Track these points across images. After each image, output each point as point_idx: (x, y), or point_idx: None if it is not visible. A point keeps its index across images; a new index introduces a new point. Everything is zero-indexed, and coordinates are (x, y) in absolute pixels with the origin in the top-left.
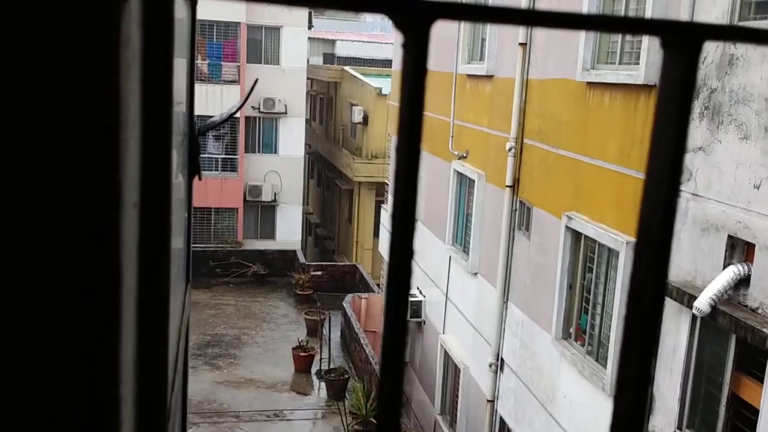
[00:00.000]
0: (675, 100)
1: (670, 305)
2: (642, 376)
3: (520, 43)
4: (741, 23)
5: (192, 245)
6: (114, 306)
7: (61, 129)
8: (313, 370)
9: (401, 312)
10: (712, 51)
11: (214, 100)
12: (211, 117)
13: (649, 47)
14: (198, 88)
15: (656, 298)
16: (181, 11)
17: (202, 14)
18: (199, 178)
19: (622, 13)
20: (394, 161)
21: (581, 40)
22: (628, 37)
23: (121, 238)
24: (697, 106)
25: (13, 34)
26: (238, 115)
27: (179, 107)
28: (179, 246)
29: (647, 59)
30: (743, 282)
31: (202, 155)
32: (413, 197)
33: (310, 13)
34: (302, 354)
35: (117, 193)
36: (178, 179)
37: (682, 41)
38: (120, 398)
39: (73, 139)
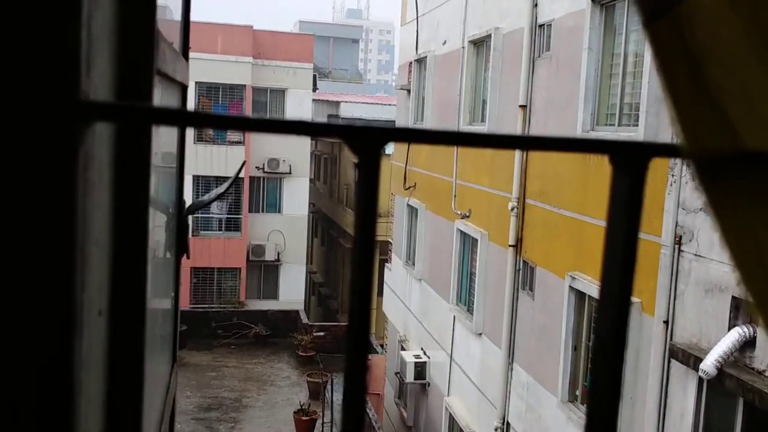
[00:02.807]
0: (623, 214)
1: (676, 367)
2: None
3: (520, 105)
4: None
5: (194, 306)
6: (68, 421)
7: (14, 249)
8: None
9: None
10: None
11: (218, 161)
12: (216, 177)
13: (647, 110)
14: (203, 149)
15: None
16: (171, 98)
17: (208, 77)
18: (187, 257)
19: (619, 86)
20: (351, 268)
21: (580, 101)
22: (627, 99)
23: (77, 355)
24: None
25: None
26: (242, 175)
27: (168, 187)
28: (164, 326)
29: (646, 120)
30: (749, 344)
31: (205, 215)
32: (368, 297)
33: (314, 76)
34: (304, 418)
35: (71, 306)
36: (165, 259)
37: (629, 159)
38: None
39: (25, 259)
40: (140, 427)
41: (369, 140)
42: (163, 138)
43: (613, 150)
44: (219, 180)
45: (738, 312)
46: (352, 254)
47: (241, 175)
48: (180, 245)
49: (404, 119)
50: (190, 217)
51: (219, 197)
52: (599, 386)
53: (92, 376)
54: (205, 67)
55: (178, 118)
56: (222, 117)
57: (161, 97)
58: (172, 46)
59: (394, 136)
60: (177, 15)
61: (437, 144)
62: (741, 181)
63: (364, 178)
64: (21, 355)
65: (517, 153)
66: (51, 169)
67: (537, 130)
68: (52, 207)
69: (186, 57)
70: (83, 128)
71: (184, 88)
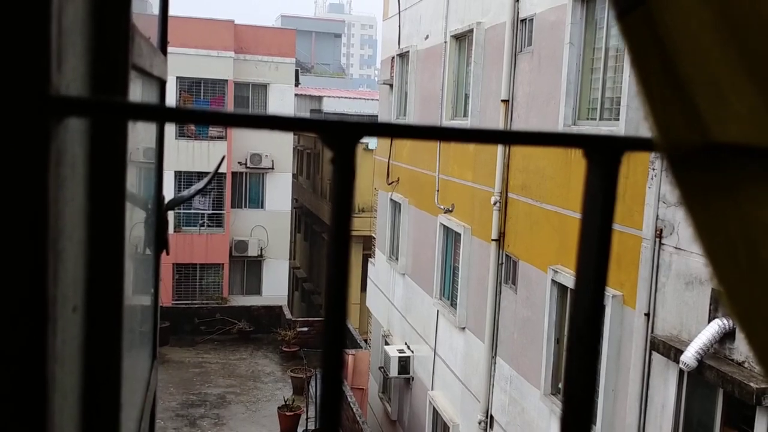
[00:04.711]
0: (598, 207)
1: (657, 359)
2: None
3: (502, 100)
4: None
5: (176, 302)
6: (41, 414)
7: None
8: (300, 430)
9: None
10: None
11: (200, 156)
12: (199, 172)
13: (628, 104)
14: (185, 144)
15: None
16: (149, 93)
17: (189, 72)
18: (167, 253)
19: (601, 80)
20: (327, 263)
21: (562, 96)
22: (608, 94)
23: (51, 351)
24: None
25: None
26: (224, 170)
27: (147, 183)
28: (143, 323)
29: (627, 115)
30: (729, 335)
31: (188, 211)
32: (344, 305)
33: (296, 71)
34: (288, 414)
35: (44, 311)
36: (144, 256)
37: (603, 153)
38: None
39: None
40: (118, 423)
41: (343, 134)
42: (142, 133)
43: (588, 144)
44: (201, 175)
45: (718, 304)
46: (327, 249)
47: (223, 170)
48: (159, 241)
49: (387, 114)
50: (170, 213)
51: (199, 192)
52: (574, 375)
53: (67, 371)
54: (186, 62)
55: (150, 113)
56: (196, 112)
57: (139, 92)
58: (149, 41)
59: (367, 130)
60: (155, 9)
61: (411, 138)
62: (712, 175)
63: (339, 173)
64: None
65: (500, 147)
66: (21, 165)
67: (519, 124)
68: (23, 202)
69: (164, 52)
70: (54, 123)
71: (162, 84)
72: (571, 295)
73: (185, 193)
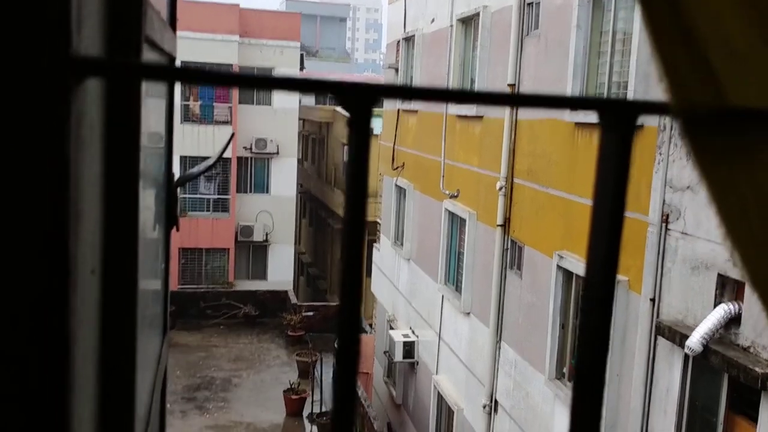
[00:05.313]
0: (612, 173)
1: (662, 344)
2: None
3: (508, 84)
4: None
5: (182, 287)
6: (63, 373)
7: (6, 204)
8: (305, 413)
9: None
10: None
11: (206, 141)
12: (204, 157)
13: (635, 88)
14: (191, 128)
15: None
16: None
17: (194, 56)
18: (177, 229)
19: (608, 64)
20: (344, 224)
21: (569, 80)
22: (615, 77)
23: (71, 305)
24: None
25: None
26: (229, 155)
27: (157, 160)
28: (154, 297)
29: (634, 98)
30: (734, 321)
31: (193, 196)
32: (359, 266)
33: (302, 55)
34: (294, 397)
35: (65, 264)
36: (155, 230)
37: (618, 117)
38: None
39: (18, 212)
40: (133, 386)
41: (360, 96)
42: (152, 114)
43: (603, 107)
44: (206, 160)
45: (724, 289)
46: (343, 217)
47: (228, 155)
48: (169, 217)
49: (347, 134)
50: (178, 191)
51: (209, 169)
52: (586, 357)
53: (85, 332)
54: (191, 46)
55: (167, 73)
56: (211, 73)
57: None
58: (160, 15)
59: (385, 92)
60: None
61: (427, 100)
62: (726, 138)
63: (356, 134)
64: (17, 302)
65: (506, 133)
66: (45, 124)
67: (526, 108)
68: (47, 161)
69: (173, 28)
70: (75, 84)
71: (172, 60)
72: (576, 281)
73: (195, 169)
